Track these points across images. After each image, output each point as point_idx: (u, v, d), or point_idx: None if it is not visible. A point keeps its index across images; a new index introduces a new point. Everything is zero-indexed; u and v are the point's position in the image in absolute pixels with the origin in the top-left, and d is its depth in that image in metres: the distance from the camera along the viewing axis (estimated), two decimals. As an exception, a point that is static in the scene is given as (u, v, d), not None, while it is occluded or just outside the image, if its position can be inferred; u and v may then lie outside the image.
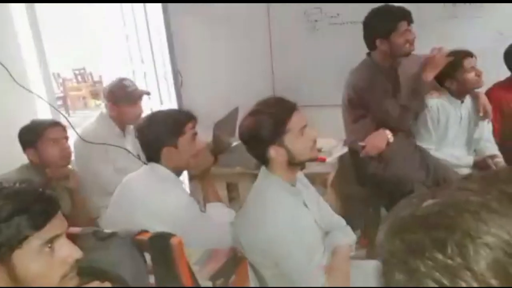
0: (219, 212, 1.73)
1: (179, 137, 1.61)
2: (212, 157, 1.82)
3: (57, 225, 0.92)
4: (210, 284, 1.49)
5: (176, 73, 3.07)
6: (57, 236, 0.92)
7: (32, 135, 1.97)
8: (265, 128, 1.39)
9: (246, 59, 3.25)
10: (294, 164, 1.45)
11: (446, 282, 0.50)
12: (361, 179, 2.40)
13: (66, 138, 2.06)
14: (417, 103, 2.21)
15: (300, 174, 1.59)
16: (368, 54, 2.30)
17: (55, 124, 2.06)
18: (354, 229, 1.70)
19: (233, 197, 2.72)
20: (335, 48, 3.05)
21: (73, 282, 0.94)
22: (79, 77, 8.05)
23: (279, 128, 1.40)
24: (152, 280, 1.36)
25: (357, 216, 2.45)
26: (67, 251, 0.93)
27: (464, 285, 0.50)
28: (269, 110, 1.42)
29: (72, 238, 1.07)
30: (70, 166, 2.14)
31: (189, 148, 1.63)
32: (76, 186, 2.06)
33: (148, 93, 2.47)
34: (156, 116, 1.67)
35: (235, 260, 1.63)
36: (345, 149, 2.49)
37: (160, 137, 1.60)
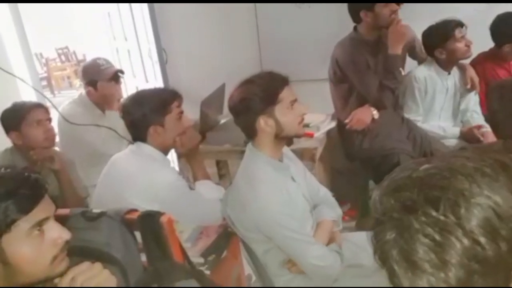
0: (208, 189, 1.74)
1: (165, 116, 1.61)
2: (199, 135, 1.81)
3: (45, 208, 0.92)
4: (202, 260, 1.50)
5: (160, 51, 3.02)
6: (45, 219, 0.91)
7: (15, 118, 1.94)
8: (256, 97, 1.39)
9: (232, 35, 3.21)
10: (281, 138, 1.45)
11: (437, 238, 0.53)
12: (349, 153, 2.42)
13: (49, 119, 2.03)
14: (390, 79, 2.17)
15: (286, 150, 1.59)
16: (355, 28, 2.28)
17: (38, 105, 2.03)
18: (343, 202, 1.73)
19: (223, 174, 2.73)
20: (323, 22, 3.02)
21: (64, 263, 0.94)
22: (62, 57, 7.86)
23: (270, 98, 1.39)
24: (143, 258, 1.37)
25: (346, 189, 2.48)
26: (57, 233, 0.92)
27: (454, 241, 0.52)
28: (261, 81, 1.42)
29: (61, 219, 1.07)
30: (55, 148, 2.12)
31: (176, 127, 1.63)
32: (62, 167, 2.04)
33: (121, 71, 2.44)
34: (141, 95, 1.65)
35: (226, 236, 1.65)
36: (333, 124, 2.50)
37: (146, 116, 1.59)
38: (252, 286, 1.85)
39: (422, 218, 0.54)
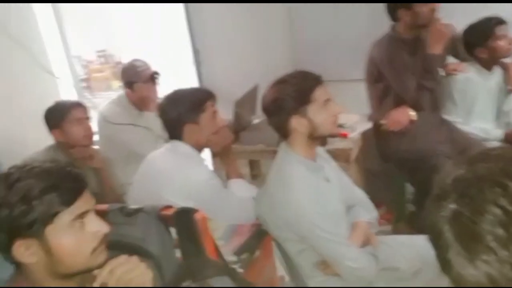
0: (241, 188, 1.75)
1: (199, 115, 1.63)
2: (232, 134, 1.83)
3: (85, 201, 0.95)
4: (235, 258, 1.51)
5: (195, 51, 3.07)
6: (86, 212, 0.94)
7: (57, 116, 2.02)
8: (289, 97, 1.38)
9: (266, 35, 3.20)
10: (315, 137, 1.44)
11: (510, 208, 0.50)
12: (384, 155, 2.37)
13: (89, 118, 2.11)
14: (428, 79, 2.11)
15: (320, 150, 1.58)
16: (392, 26, 2.24)
17: (78, 104, 2.11)
18: (378, 205, 1.69)
19: (256, 175, 2.74)
20: (358, 21, 2.96)
21: (103, 255, 0.97)
22: (102, 59, 8.09)
23: (303, 97, 1.38)
24: (178, 253, 1.39)
25: (381, 192, 2.43)
26: (96, 226, 0.95)
27: None
28: (294, 81, 1.41)
29: (100, 214, 1.11)
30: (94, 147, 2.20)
31: (210, 125, 1.65)
32: (101, 165, 2.12)
33: (157, 73, 2.50)
34: (177, 95, 1.68)
35: (258, 236, 1.65)
36: (368, 125, 2.45)
37: (181, 114, 1.62)
38: (284, 287, 1.84)
39: (497, 189, 0.52)
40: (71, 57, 3.75)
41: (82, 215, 0.94)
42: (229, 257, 1.50)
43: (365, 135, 2.48)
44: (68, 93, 2.96)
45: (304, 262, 1.48)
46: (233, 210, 1.65)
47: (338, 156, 2.10)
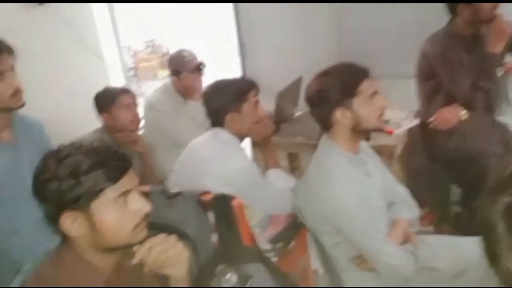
0: (279, 178, 1.75)
1: (242, 104, 1.65)
2: (273, 125, 1.83)
3: (130, 180, 0.98)
4: (270, 246, 1.52)
5: (241, 44, 3.09)
6: (130, 190, 0.98)
7: (106, 100, 2.10)
8: (334, 88, 1.36)
9: (311, 30, 3.15)
10: (358, 131, 1.41)
11: None
12: (431, 153, 2.29)
13: (136, 104, 2.18)
14: (484, 79, 2.01)
15: (364, 144, 1.55)
16: (450, 21, 2.15)
17: (126, 90, 2.19)
18: (420, 204, 1.65)
19: (294, 168, 2.73)
20: (406, 15, 2.87)
21: (143, 233, 1.01)
22: (150, 49, 8.35)
23: (349, 89, 1.36)
24: (214, 238, 1.42)
25: (425, 192, 2.36)
26: (139, 204, 0.99)
27: None
28: (340, 72, 1.39)
29: (143, 195, 1.15)
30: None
31: (252, 115, 1.67)
32: (145, 150, 2.19)
33: (203, 64, 2.54)
34: (221, 84, 1.72)
35: (294, 227, 1.66)
36: (415, 122, 2.38)
37: (224, 103, 1.65)
38: (318, 280, 1.83)
39: None
40: (121, 46, 3.87)
41: (126, 193, 0.97)
42: (264, 245, 1.51)
43: (411, 132, 2.40)
44: (116, 81, 3.06)
45: (340, 255, 1.47)
46: (270, 199, 1.66)
47: (382, 152, 2.05)
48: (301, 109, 2.50)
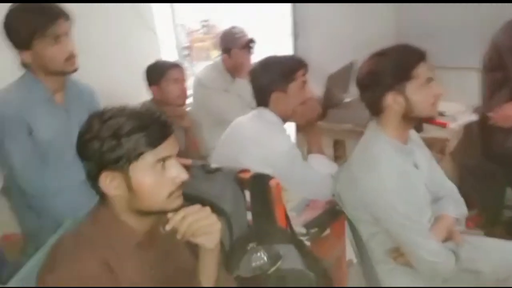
0: (321, 163, 1.71)
1: (289, 83, 1.62)
2: (319, 107, 1.78)
3: (170, 146, 0.99)
4: (304, 230, 1.50)
5: (295, 24, 3.03)
6: (169, 157, 0.99)
7: (157, 73, 2.14)
8: (388, 70, 1.30)
9: (367, 13, 3.01)
10: (409, 118, 1.34)
11: None
12: (488, 152, 2.15)
13: (185, 79, 2.21)
14: None
15: (415, 135, 1.48)
16: None
17: (177, 65, 2.22)
18: (469, 205, 1.55)
19: (339, 156, 2.66)
20: (468, 4, 2.67)
21: (178, 201, 1.01)
22: (205, 29, 8.43)
23: (403, 73, 1.29)
24: (249, 216, 1.41)
25: (476, 192, 2.22)
26: (176, 172, 0.99)
27: None
28: (394, 54, 1.32)
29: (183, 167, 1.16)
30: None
31: (298, 95, 1.63)
32: (190, 125, 2.22)
33: (253, 41, 2.52)
34: (269, 61, 1.68)
35: (332, 214, 1.62)
36: (474, 117, 2.23)
37: (271, 81, 1.62)
38: (351, 270, 1.79)
39: None
40: (176, 24, 3.92)
41: (164, 159, 0.98)
42: (299, 229, 1.49)
43: (467, 127, 2.26)
44: (169, 58, 3.11)
45: (376, 246, 1.42)
46: (310, 184, 1.63)
47: (433, 145, 1.94)
48: (351, 95, 2.42)
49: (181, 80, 2.18)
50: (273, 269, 1.22)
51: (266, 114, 1.66)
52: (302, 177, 1.61)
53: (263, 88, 1.65)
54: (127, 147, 0.94)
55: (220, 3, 3.99)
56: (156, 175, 0.97)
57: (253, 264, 1.27)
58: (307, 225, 1.53)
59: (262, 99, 1.67)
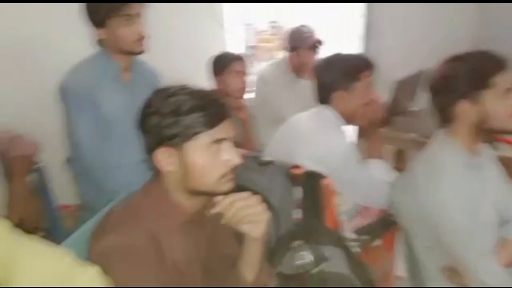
0: (380, 169, 1.63)
1: (353, 82, 1.56)
2: (383, 111, 1.71)
3: (226, 129, 0.99)
4: (354, 236, 1.43)
5: (368, 26, 2.94)
6: (224, 139, 0.98)
7: (221, 64, 2.17)
8: (464, 76, 1.21)
9: (447, 16, 2.85)
10: (482, 129, 1.24)
11: None
12: None
13: (246, 73, 2.22)
14: None
15: (486, 148, 1.36)
16: None
17: (240, 58, 2.23)
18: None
19: (400, 168, 2.53)
20: None
21: (229, 185, 1.00)
22: (273, 30, 8.46)
23: (480, 80, 1.20)
24: (296, 214, 1.38)
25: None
26: (230, 155, 0.99)
27: None
28: (471, 60, 1.23)
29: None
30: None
31: (362, 95, 1.57)
32: (246, 118, 2.22)
33: (320, 41, 2.46)
34: (335, 58, 1.63)
35: (384, 224, 1.54)
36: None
37: (335, 79, 1.57)
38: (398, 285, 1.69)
39: None
40: (245, 24, 3.95)
41: (219, 141, 0.97)
42: (348, 234, 1.43)
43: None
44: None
45: (429, 262, 1.32)
46: (365, 189, 1.56)
47: (505, 165, 1.80)
48: (418, 105, 2.30)
49: (243, 73, 2.19)
50: (316, 269, 1.18)
51: (326, 112, 1.61)
52: (356, 180, 1.54)
53: (326, 86, 1.61)
54: (185, 125, 0.95)
55: (291, 3, 3.97)
56: (210, 156, 0.97)
57: (297, 263, 1.23)
58: (358, 232, 1.47)
59: (324, 96, 1.63)
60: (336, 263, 1.20)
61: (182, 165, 0.97)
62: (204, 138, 0.96)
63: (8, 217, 1.40)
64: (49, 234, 1.67)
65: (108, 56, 1.71)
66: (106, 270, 0.92)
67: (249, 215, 1.00)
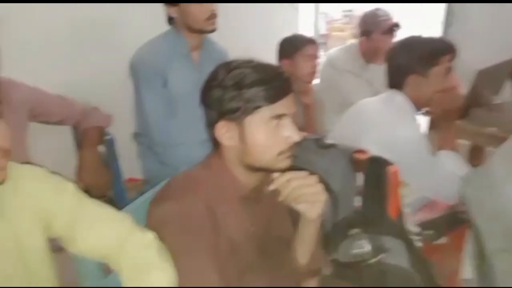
0: (451, 162, 1.50)
1: (431, 67, 1.45)
2: (462, 98, 1.57)
3: (287, 105, 0.96)
4: (417, 230, 1.34)
5: (450, 13, 2.74)
6: (284, 115, 0.96)
7: (292, 47, 2.11)
8: None
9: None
10: None
11: None
12: None
13: (318, 57, 2.15)
14: None
15: None
16: None
17: (313, 41, 2.16)
18: None
19: (475, 165, 2.34)
20: None
21: (287, 162, 0.98)
22: (346, 19, 8.22)
23: None
24: (357, 201, 1.32)
25: None
26: (289, 132, 0.96)
27: None
28: None
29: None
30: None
31: (439, 82, 1.46)
32: (311, 103, 2.17)
33: (397, 25, 2.32)
34: (412, 40, 1.52)
35: (453, 219, 1.42)
36: None
37: (410, 62, 1.47)
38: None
39: None
40: (319, 12, 3.87)
41: (280, 117, 0.95)
42: (411, 227, 1.34)
43: None
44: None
45: (503, 266, 1.20)
46: (435, 181, 1.45)
47: None
48: (504, 98, 2.10)
49: (315, 57, 2.14)
50: (374, 260, 1.12)
51: (398, 97, 1.51)
52: (426, 171, 1.44)
53: (400, 69, 1.50)
54: (246, 99, 0.93)
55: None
56: (269, 131, 0.95)
57: (353, 251, 1.18)
58: (422, 225, 1.37)
59: (396, 80, 1.53)
60: (396, 256, 1.13)
61: (241, 140, 0.96)
62: (265, 113, 0.94)
63: (76, 182, 1.48)
64: (114, 204, 1.76)
65: (178, 34, 1.75)
66: (162, 236, 0.93)
67: (306, 194, 0.97)
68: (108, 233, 0.96)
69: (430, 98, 1.48)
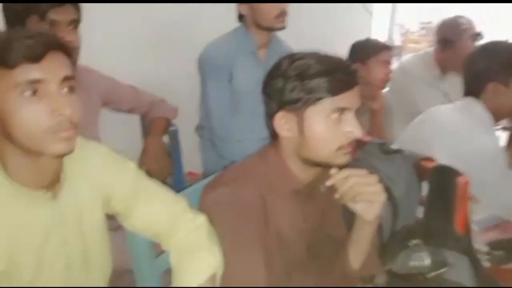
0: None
1: None
2: None
3: (351, 98, 0.92)
4: (486, 249, 1.22)
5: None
6: (347, 109, 0.92)
7: (366, 51, 2.04)
8: None
9: None
10: None
11: None
12: None
13: (391, 64, 2.07)
14: None
15: None
16: None
17: (389, 48, 2.09)
18: None
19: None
20: None
21: (345, 158, 0.94)
22: (423, 31, 7.87)
23: None
24: (419, 212, 1.23)
25: None
26: (351, 126, 0.92)
27: None
28: None
29: (360, 143, 1.06)
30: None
31: None
32: (380, 109, 2.08)
33: (480, 35, 2.16)
34: (493, 45, 1.41)
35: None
36: None
37: (491, 69, 1.36)
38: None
39: None
40: (394, 23, 3.75)
41: (342, 110, 0.91)
42: (479, 246, 1.22)
43: None
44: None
45: None
46: (508, 199, 1.32)
47: None
48: None
49: (389, 63, 2.06)
50: (433, 274, 1.03)
51: (475, 105, 1.40)
52: (501, 188, 1.31)
53: (479, 76, 1.40)
54: (308, 89, 0.91)
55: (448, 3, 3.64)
56: (329, 124, 0.91)
57: (411, 263, 1.10)
58: (491, 245, 1.25)
59: (474, 88, 1.42)
60: (458, 272, 1.04)
61: (300, 131, 0.93)
62: (326, 105, 0.90)
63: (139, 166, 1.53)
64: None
65: (247, 32, 1.76)
66: (212, 218, 0.94)
67: (364, 193, 0.92)
68: (163, 211, 0.98)
69: (510, 109, 1.36)
